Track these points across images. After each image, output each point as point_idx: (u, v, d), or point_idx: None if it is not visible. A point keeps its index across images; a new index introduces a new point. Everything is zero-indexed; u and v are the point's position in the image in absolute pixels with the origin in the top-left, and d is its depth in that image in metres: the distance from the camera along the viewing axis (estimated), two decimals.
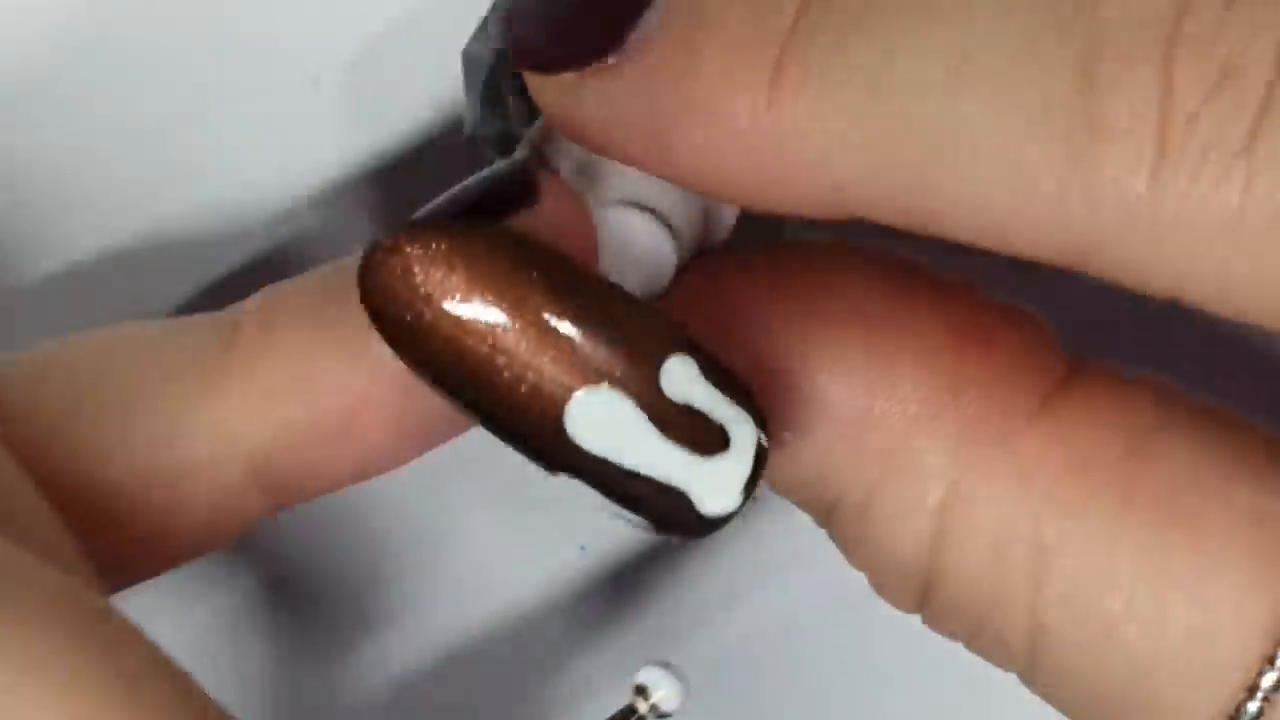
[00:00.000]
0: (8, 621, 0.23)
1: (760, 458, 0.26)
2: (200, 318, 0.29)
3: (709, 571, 0.37)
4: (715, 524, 0.26)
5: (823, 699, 0.38)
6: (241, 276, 0.33)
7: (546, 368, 0.25)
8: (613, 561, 0.37)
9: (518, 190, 0.26)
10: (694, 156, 0.25)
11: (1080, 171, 0.23)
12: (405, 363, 0.26)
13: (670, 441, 0.25)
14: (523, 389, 0.25)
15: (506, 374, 0.25)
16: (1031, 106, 0.23)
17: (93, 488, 0.27)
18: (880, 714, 0.38)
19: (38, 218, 0.32)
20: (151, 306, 0.33)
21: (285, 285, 0.29)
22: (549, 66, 0.26)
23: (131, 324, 0.29)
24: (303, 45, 0.32)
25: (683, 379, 0.26)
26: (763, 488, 0.26)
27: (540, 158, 0.28)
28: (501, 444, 0.26)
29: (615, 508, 0.26)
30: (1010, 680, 0.28)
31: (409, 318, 0.25)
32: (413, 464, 0.34)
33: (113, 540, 0.27)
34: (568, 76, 0.25)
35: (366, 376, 0.27)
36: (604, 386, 0.25)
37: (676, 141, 0.25)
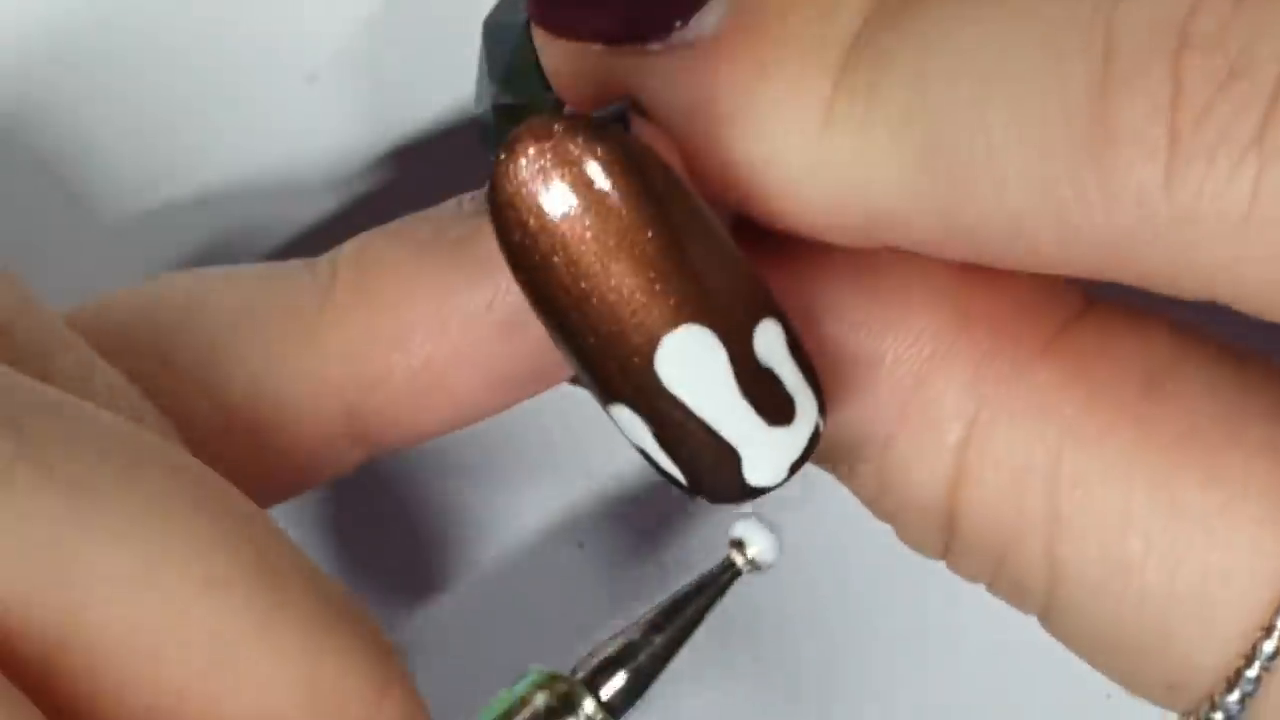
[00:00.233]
0: (146, 486, 0.24)
1: (814, 439, 0.26)
2: (295, 263, 0.29)
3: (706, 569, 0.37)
4: (753, 493, 0.26)
5: (822, 697, 0.38)
6: None
7: (659, 297, 0.25)
8: (611, 558, 0.37)
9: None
10: (731, 169, 0.26)
11: (1098, 175, 0.23)
12: (515, 272, 0.25)
13: (746, 401, 0.26)
14: (629, 313, 0.25)
15: (614, 296, 0.25)
16: (1053, 118, 0.23)
17: (184, 427, 0.27)
18: (881, 711, 0.38)
19: (37, 217, 0.33)
20: None
21: (379, 233, 0.29)
22: (582, 37, 0.26)
23: (226, 267, 0.29)
24: (298, 41, 0.32)
25: (772, 343, 0.26)
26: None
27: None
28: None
29: (659, 455, 0.26)
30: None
31: (530, 219, 0.25)
32: (412, 463, 0.34)
33: None
34: (596, 49, 0.26)
35: (458, 327, 0.28)
36: (706, 329, 0.25)
37: (713, 150, 0.26)
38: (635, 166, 0.25)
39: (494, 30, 0.29)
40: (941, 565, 0.29)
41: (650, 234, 0.25)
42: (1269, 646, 0.26)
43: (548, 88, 0.27)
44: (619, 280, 0.25)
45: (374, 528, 0.36)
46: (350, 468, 0.29)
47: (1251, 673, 0.26)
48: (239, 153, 0.33)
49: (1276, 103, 0.22)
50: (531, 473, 0.36)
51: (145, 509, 0.23)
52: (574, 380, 0.29)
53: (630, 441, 0.26)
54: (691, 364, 0.25)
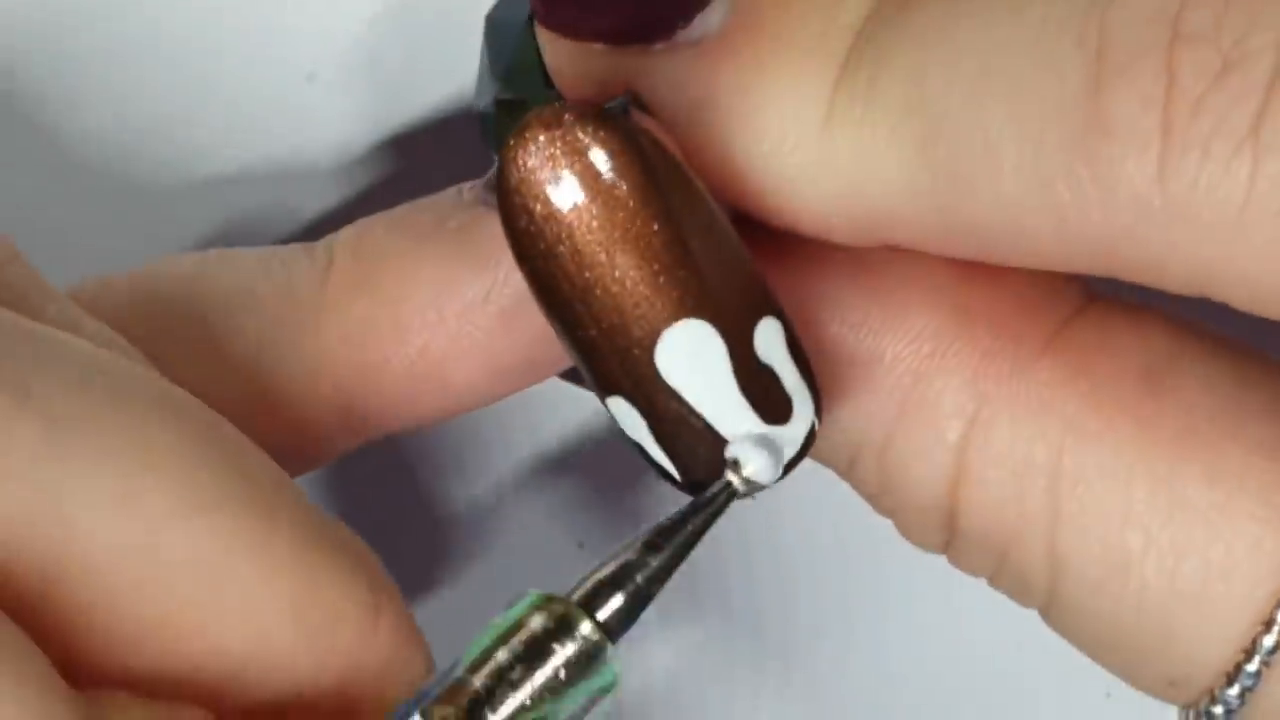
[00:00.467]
0: (127, 412, 0.24)
1: (810, 439, 0.26)
2: (294, 248, 0.29)
3: (706, 568, 0.37)
4: (745, 492, 0.26)
5: (822, 696, 0.38)
6: None
7: (662, 290, 0.25)
8: None
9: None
10: (732, 167, 0.26)
11: (1093, 168, 0.23)
12: (520, 260, 0.26)
13: (744, 398, 0.26)
14: (631, 305, 0.25)
15: (617, 287, 0.25)
16: (1048, 112, 0.23)
17: None
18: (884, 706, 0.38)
19: (37, 215, 0.33)
20: None
21: (378, 220, 0.29)
22: (586, 36, 0.26)
23: (225, 250, 0.29)
24: (297, 41, 0.32)
25: (772, 341, 0.26)
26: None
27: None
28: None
29: (654, 449, 0.26)
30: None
31: (537, 207, 0.25)
32: (411, 463, 0.34)
33: None
34: (599, 48, 0.26)
35: (455, 316, 0.28)
36: (706, 324, 0.25)
37: (713, 149, 0.26)
38: (643, 157, 0.25)
39: (496, 26, 0.29)
40: (941, 562, 0.29)
41: (656, 226, 0.25)
42: (1269, 641, 0.26)
43: (549, 84, 0.27)
44: (623, 272, 0.25)
45: (373, 527, 0.35)
46: (345, 452, 0.30)
47: (1251, 667, 0.26)
48: (240, 147, 0.33)
49: (1271, 95, 0.23)
50: (531, 473, 0.36)
51: (126, 434, 0.23)
52: (566, 375, 0.29)
53: (626, 435, 0.26)
54: (692, 359, 0.26)
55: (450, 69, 0.32)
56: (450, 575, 0.37)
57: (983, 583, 0.28)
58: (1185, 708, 0.27)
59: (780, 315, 0.26)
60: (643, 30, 0.25)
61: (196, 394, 0.27)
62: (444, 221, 0.28)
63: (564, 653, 0.25)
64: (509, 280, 0.28)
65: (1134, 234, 0.24)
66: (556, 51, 0.27)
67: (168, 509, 0.23)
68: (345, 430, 0.29)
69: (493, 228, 0.28)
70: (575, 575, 0.26)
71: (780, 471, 0.26)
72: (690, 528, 0.26)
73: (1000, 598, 0.28)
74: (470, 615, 0.36)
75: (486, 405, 0.29)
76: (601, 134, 0.25)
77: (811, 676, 0.38)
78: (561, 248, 0.25)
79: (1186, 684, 0.27)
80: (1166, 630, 0.26)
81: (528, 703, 0.24)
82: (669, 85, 0.26)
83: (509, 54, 0.30)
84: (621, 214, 0.25)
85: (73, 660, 0.23)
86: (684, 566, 0.25)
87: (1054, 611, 0.28)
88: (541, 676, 0.25)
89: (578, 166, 0.25)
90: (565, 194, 0.25)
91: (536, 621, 0.25)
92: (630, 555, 0.25)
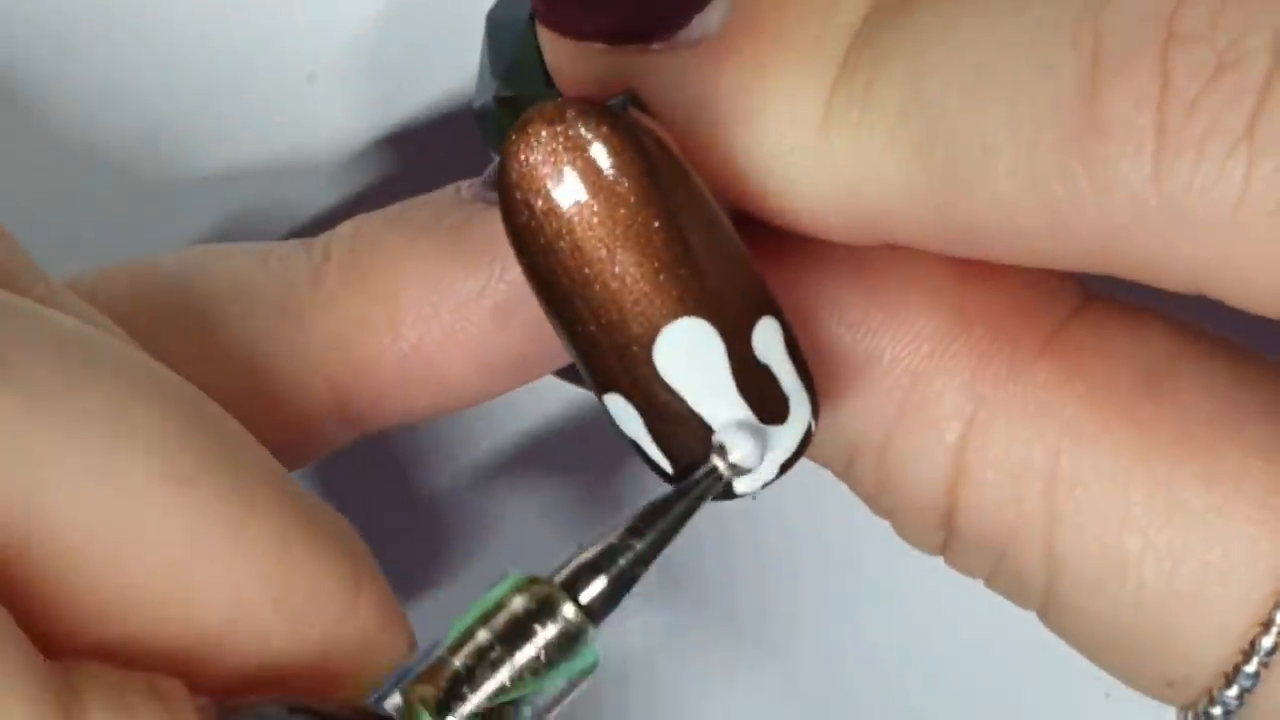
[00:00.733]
0: (105, 385, 0.24)
1: (805, 440, 0.26)
2: (292, 243, 0.29)
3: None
4: (730, 477, 0.26)
5: (821, 695, 0.38)
6: None
7: (661, 287, 0.25)
8: None
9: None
10: (731, 167, 0.26)
11: (1088, 168, 0.23)
12: (520, 255, 0.26)
13: (741, 397, 0.26)
14: (630, 302, 0.25)
15: (617, 284, 0.25)
16: (1043, 112, 0.23)
17: None
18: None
19: (36, 215, 0.32)
20: None
21: (375, 216, 0.29)
22: (586, 36, 0.26)
23: (222, 245, 0.30)
24: (297, 42, 0.32)
25: (770, 341, 0.26)
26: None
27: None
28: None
29: (650, 446, 0.26)
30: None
31: (538, 202, 0.25)
32: (411, 462, 0.34)
33: None
34: (599, 48, 0.26)
35: (450, 312, 0.28)
36: (705, 323, 0.25)
37: (712, 149, 0.26)
38: (645, 154, 0.25)
39: (496, 24, 0.30)
40: (938, 564, 0.29)
41: (657, 223, 0.25)
42: (1267, 642, 0.26)
43: (549, 83, 0.27)
44: (623, 268, 0.25)
45: (372, 527, 0.36)
46: (339, 447, 0.30)
47: (1250, 668, 0.26)
48: (240, 146, 0.33)
49: (1266, 96, 0.23)
50: (531, 472, 0.36)
51: (104, 407, 0.23)
52: (561, 374, 0.29)
53: (622, 431, 0.26)
54: (690, 357, 0.26)
55: (450, 68, 0.32)
56: (446, 574, 0.37)
57: (980, 583, 0.28)
58: (1184, 709, 0.27)
59: (779, 315, 0.26)
60: (642, 30, 0.25)
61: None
62: (440, 218, 0.29)
63: (545, 634, 0.25)
64: (504, 276, 0.28)
65: (1130, 233, 0.24)
66: (557, 51, 0.27)
67: (144, 482, 0.23)
68: (340, 425, 0.29)
69: (489, 224, 0.28)
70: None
71: (776, 471, 0.26)
72: (675, 512, 0.26)
73: (998, 598, 0.28)
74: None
75: (481, 402, 0.29)
76: (604, 130, 0.25)
77: (798, 672, 0.38)
78: (562, 243, 0.25)
79: (1185, 685, 0.27)
80: (1164, 631, 0.26)
81: (508, 683, 0.24)
82: (668, 85, 0.26)
83: (509, 53, 0.30)
84: (623, 210, 0.25)
85: (46, 629, 0.23)
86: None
87: (1051, 613, 0.28)
88: (522, 657, 0.25)
89: (579, 162, 0.25)
90: (566, 190, 0.25)
91: (518, 602, 0.25)
92: (614, 539, 0.25)
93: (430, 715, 0.24)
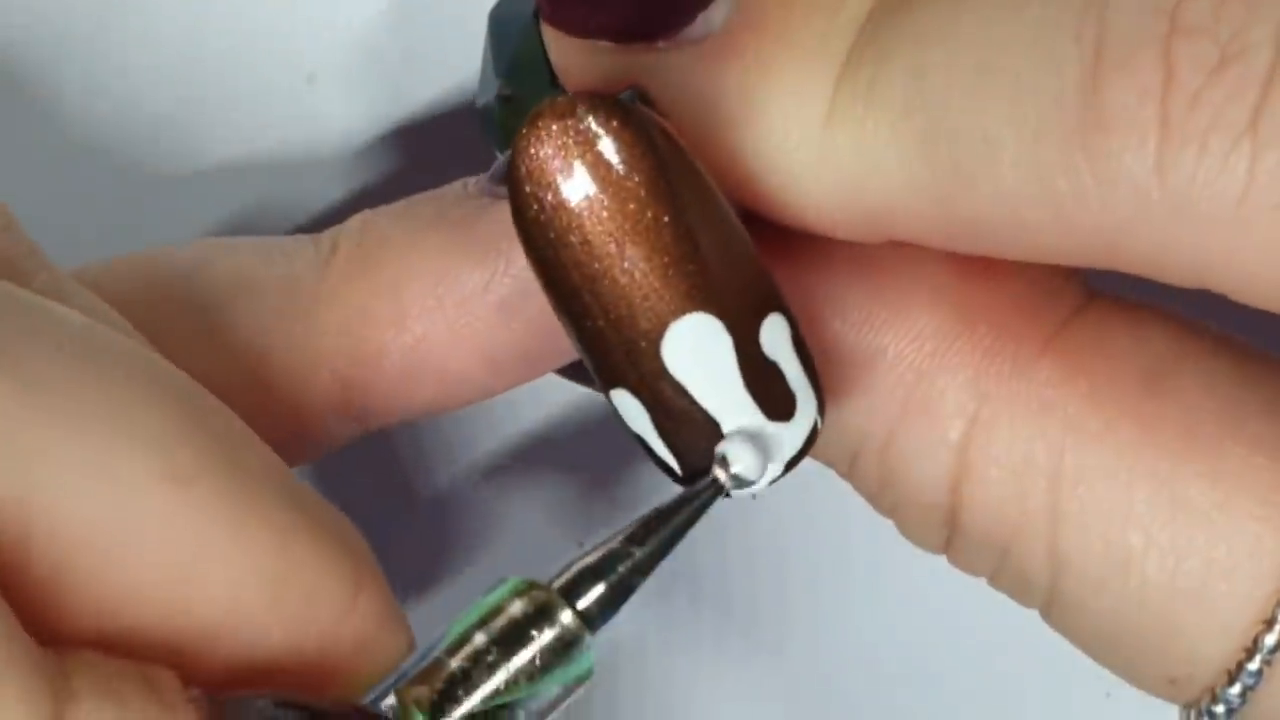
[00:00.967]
0: (107, 380, 0.24)
1: (812, 437, 0.26)
2: (299, 238, 0.29)
3: (703, 564, 0.37)
4: (732, 488, 0.26)
5: (821, 695, 0.38)
6: None
7: (670, 282, 0.25)
8: None
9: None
10: (736, 165, 0.26)
11: (1091, 161, 0.23)
12: (529, 249, 0.26)
13: (748, 393, 0.26)
14: (640, 297, 0.25)
15: (625, 278, 0.25)
16: (1046, 105, 0.23)
17: None
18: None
19: (39, 215, 0.33)
20: None
21: (383, 211, 0.29)
22: (591, 33, 0.26)
23: (228, 239, 0.30)
24: (297, 42, 0.32)
25: (777, 338, 0.26)
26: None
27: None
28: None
29: (656, 442, 0.26)
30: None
31: (548, 196, 0.25)
32: (411, 462, 0.34)
33: None
34: (604, 46, 0.26)
35: (454, 306, 0.28)
36: (714, 318, 0.25)
37: (717, 146, 0.26)
38: (655, 149, 0.25)
39: (499, 22, 0.30)
40: (939, 563, 0.29)
41: (667, 219, 0.25)
42: (1271, 639, 0.26)
43: (553, 81, 0.27)
44: (632, 263, 0.25)
45: (373, 526, 0.36)
46: (343, 444, 0.30)
47: (1253, 666, 0.26)
48: (243, 145, 0.33)
49: (1269, 89, 0.23)
50: (531, 471, 0.36)
51: (104, 401, 0.23)
52: (565, 372, 0.29)
53: (628, 428, 0.26)
54: (698, 352, 0.26)
55: (452, 66, 0.32)
56: (448, 573, 0.37)
57: (982, 583, 0.28)
58: (1186, 707, 0.27)
59: (786, 312, 0.26)
60: (647, 27, 0.25)
61: (195, 378, 0.27)
62: (446, 213, 0.29)
63: (542, 639, 0.25)
64: (509, 270, 0.28)
65: (1133, 226, 0.24)
66: (561, 48, 0.27)
67: (143, 477, 0.23)
68: (343, 420, 0.29)
69: (494, 219, 0.28)
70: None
71: (783, 468, 0.26)
72: (675, 522, 0.26)
73: (999, 597, 0.28)
74: None
75: (484, 399, 0.29)
76: (614, 124, 0.25)
77: (797, 672, 0.38)
78: (571, 237, 0.25)
79: (1188, 683, 0.27)
80: (1167, 628, 0.26)
81: (503, 686, 0.24)
82: (673, 82, 0.26)
83: (512, 51, 0.30)
84: (632, 205, 0.25)
85: (43, 617, 0.23)
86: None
87: (1055, 611, 0.28)
88: (518, 661, 0.25)
89: (589, 157, 0.25)
90: (576, 184, 0.25)
91: (517, 607, 0.25)
92: (614, 546, 0.25)
93: (424, 716, 0.24)
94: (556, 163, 0.25)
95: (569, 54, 0.27)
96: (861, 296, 0.27)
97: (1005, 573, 0.28)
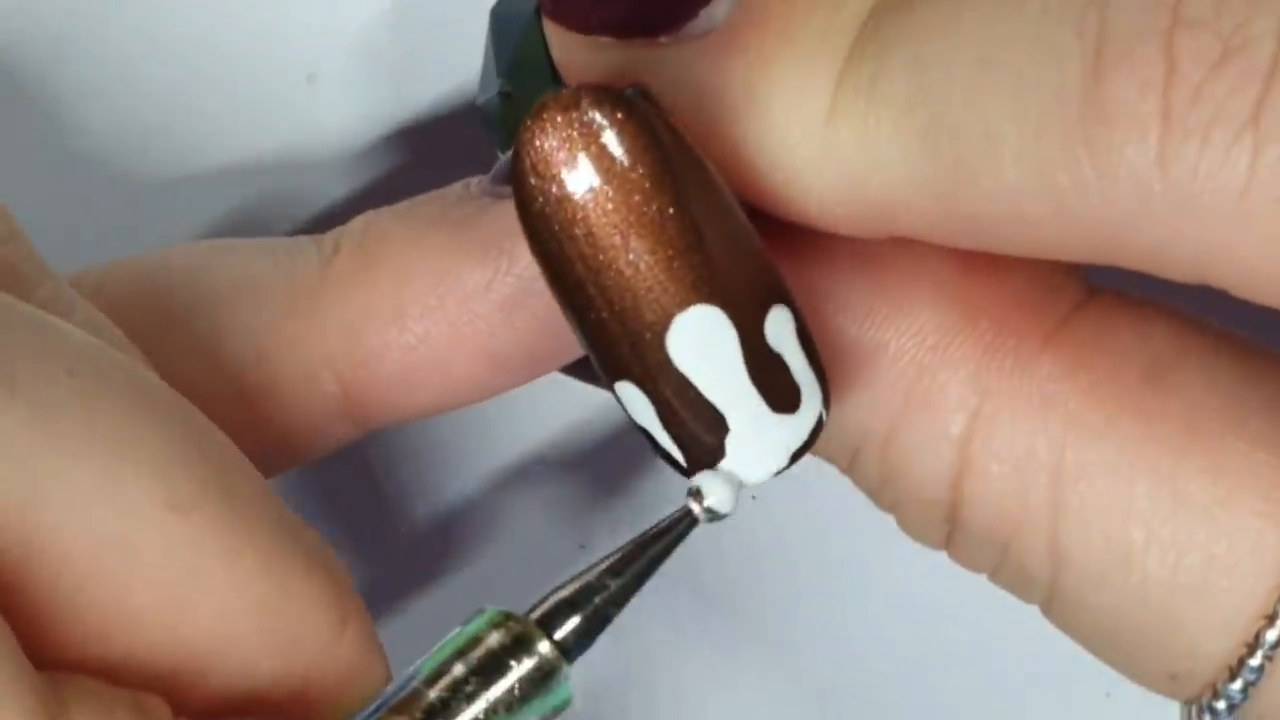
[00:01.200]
0: (113, 405, 0.24)
1: (817, 429, 0.26)
2: (302, 239, 0.29)
3: (704, 563, 0.37)
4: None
5: (820, 695, 0.38)
6: None
7: (675, 274, 0.25)
8: None
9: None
10: (738, 160, 0.26)
11: (1092, 155, 0.23)
12: (533, 242, 0.26)
13: (753, 385, 0.26)
14: (644, 289, 0.25)
15: (630, 270, 0.25)
16: (1048, 99, 0.23)
17: (180, 393, 0.27)
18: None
19: (40, 216, 0.33)
20: None
21: (386, 211, 0.29)
22: (593, 29, 0.26)
23: (230, 240, 0.30)
24: (297, 42, 0.32)
25: (782, 330, 0.26)
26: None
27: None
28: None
29: (662, 435, 0.26)
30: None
31: (553, 188, 0.25)
32: (412, 463, 0.34)
33: None
34: (606, 41, 0.26)
35: (456, 305, 0.28)
36: (719, 310, 0.25)
37: (719, 142, 0.26)
38: (659, 141, 0.25)
39: (500, 19, 0.30)
40: (939, 561, 0.29)
41: (672, 210, 0.25)
42: (1272, 635, 0.26)
43: (555, 77, 0.27)
44: (637, 255, 0.25)
45: (373, 527, 0.36)
46: (345, 442, 0.29)
47: (1254, 661, 0.26)
48: (243, 146, 0.33)
49: (1271, 83, 0.23)
50: (532, 472, 0.36)
51: (110, 428, 0.23)
52: (568, 369, 0.29)
53: (633, 421, 0.26)
54: (703, 344, 0.26)
55: (453, 64, 0.32)
56: (451, 574, 0.37)
57: (982, 581, 0.28)
58: (1187, 703, 0.27)
59: (791, 304, 0.26)
60: (649, 23, 0.25)
61: (197, 380, 0.27)
62: (448, 212, 0.29)
63: (519, 670, 0.25)
64: (511, 269, 0.28)
65: (1134, 221, 0.24)
66: (563, 44, 0.27)
67: (145, 504, 0.24)
68: (345, 420, 0.29)
69: (496, 218, 0.28)
70: None
71: (788, 460, 0.26)
72: (651, 554, 0.26)
73: (999, 597, 0.28)
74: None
75: (487, 399, 0.29)
76: (618, 116, 0.25)
77: (797, 672, 0.38)
78: (576, 230, 0.25)
79: (1188, 678, 0.27)
80: (1168, 624, 0.26)
81: (481, 716, 0.25)
82: (675, 78, 0.26)
83: (513, 48, 0.30)
84: (637, 197, 0.25)
85: (40, 640, 0.23)
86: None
87: (1055, 606, 0.28)
88: (496, 691, 0.25)
89: (594, 149, 0.25)
90: (581, 176, 0.25)
91: (494, 638, 0.25)
92: (590, 577, 0.25)
93: None
94: (561, 155, 0.25)
95: (571, 50, 0.27)
96: (863, 291, 0.27)
97: (1006, 568, 0.28)
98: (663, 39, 0.26)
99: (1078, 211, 0.24)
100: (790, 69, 0.26)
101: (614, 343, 0.26)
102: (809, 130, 0.25)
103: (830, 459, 0.29)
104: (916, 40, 0.25)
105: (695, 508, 0.26)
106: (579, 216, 0.25)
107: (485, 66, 0.30)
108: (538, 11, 0.28)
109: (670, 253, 0.25)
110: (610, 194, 0.25)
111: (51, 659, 0.23)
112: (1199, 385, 0.27)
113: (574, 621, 0.25)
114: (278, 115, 0.33)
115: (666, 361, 0.26)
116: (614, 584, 0.25)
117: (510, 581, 0.36)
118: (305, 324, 0.28)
